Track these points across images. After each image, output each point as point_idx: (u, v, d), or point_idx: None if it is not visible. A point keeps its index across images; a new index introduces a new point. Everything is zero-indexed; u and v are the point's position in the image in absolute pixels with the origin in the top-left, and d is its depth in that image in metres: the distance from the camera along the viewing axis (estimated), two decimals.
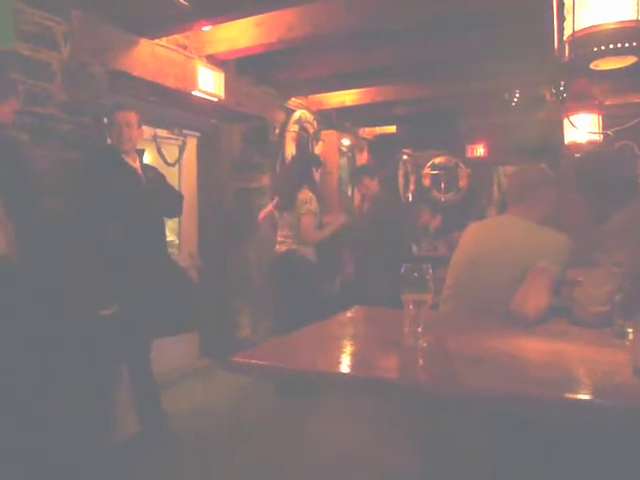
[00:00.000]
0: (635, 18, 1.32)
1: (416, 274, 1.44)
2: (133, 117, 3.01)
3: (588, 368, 1.39)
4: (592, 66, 1.44)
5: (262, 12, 3.51)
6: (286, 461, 2.96)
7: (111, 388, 3.06)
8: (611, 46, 1.32)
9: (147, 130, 3.89)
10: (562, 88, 4.44)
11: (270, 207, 4.25)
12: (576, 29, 1.38)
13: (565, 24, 1.43)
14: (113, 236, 2.85)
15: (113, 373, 3.11)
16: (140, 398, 3.09)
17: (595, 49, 1.34)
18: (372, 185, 4.57)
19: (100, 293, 2.88)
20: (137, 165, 3.05)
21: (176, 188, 3.64)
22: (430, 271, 1.45)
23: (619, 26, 1.33)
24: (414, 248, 5.92)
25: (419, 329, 1.46)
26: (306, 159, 4.47)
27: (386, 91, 5.50)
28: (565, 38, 1.43)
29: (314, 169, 4.17)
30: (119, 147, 2.99)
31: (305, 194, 3.97)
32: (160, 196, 3.11)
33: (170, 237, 4.31)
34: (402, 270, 1.46)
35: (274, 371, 1.53)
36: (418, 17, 3.49)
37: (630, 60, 1.42)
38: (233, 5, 3.20)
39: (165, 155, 4.31)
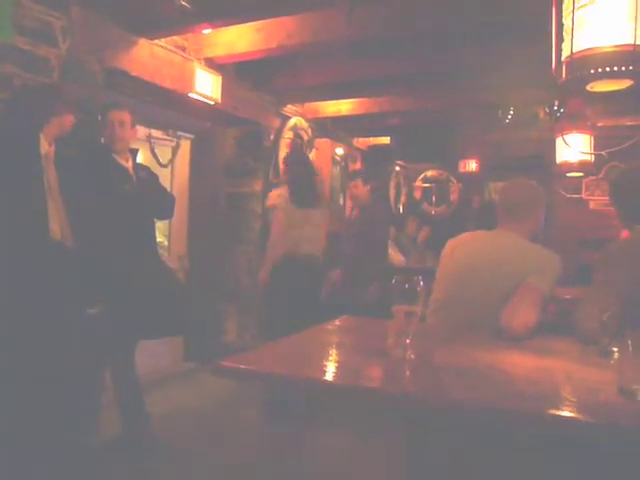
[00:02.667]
0: (632, 42, 1.34)
1: (407, 286, 1.45)
2: (127, 117, 2.99)
3: (573, 385, 1.40)
4: (588, 88, 1.46)
5: (263, 18, 3.54)
6: (267, 466, 2.95)
7: (94, 388, 3.03)
8: (608, 69, 1.34)
9: (141, 130, 3.88)
10: (556, 107, 4.49)
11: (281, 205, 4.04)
12: (574, 50, 1.40)
13: (563, 45, 1.45)
14: (101, 234, 2.82)
15: (97, 373, 3.08)
16: (123, 399, 3.06)
17: (592, 71, 1.36)
18: (364, 191, 4.45)
19: (86, 291, 2.85)
20: (129, 165, 3.03)
21: (168, 189, 3.62)
22: (421, 283, 1.46)
23: (616, 49, 1.35)
24: (403, 259, 5.95)
25: (408, 340, 1.46)
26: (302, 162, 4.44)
27: (382, 102, 5.54)
28: (563, 59, 1.46)
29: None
30: (111, 146, 2.97)
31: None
32: (151, 197, 3.09)
33: (159, 238, 4.28)
34: (393, 281, 1.47)
35: (261, 377, 1.52)
36: (417, 30, 3.52)
37: (626, 83, 1.44)
38: (234, 9, 3.21)
39: (158, 156, 4.30)
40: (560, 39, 1.47)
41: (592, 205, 7.32)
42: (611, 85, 1.46)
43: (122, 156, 3.00)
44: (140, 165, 3.19)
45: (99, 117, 3.11)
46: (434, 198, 8.50)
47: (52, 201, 2.56)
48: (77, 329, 2.66)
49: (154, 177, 3.22)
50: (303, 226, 3.91)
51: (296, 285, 3.86)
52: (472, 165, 8.03)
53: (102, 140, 3.07)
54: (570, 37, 1.41)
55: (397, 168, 8.30)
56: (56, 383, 2.53)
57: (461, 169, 8.14)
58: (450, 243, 2.26)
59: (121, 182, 2.95)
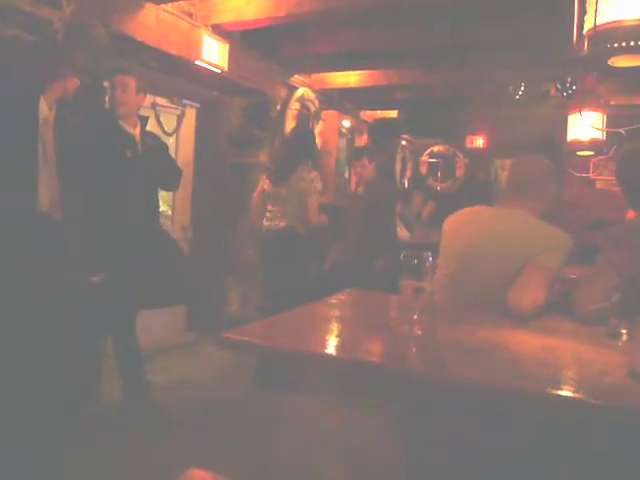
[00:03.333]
0: None
1: (416, 261, 1.43)
2: (131, 82, 2.94)
3: (581, 366, 1.39)
4: (609, 62, 1.41)
5: None
6: (267, 438, 2.97)
7: (96, 356, 3.05)
8: (632, 43, 1.29)
9: (146, 98, 3.83)
10: (568, 84, 4.41)
11: (261, 184, 4.05)
12: (597, 23, 1.35)
13: (586, 18, 1.40)
14: (103, 201, 2.80)
15: (98, 341, 3.09)
16: (124, 367, 3.08)
17: (615, 45, 1.31)
18: (369, 168, 4.42)
19: (89, 259, 2.84)
20: (136, 132, 2.98)
21: (175, 161, 3.58)
22: (430, 259, 1.44)
23: None
24: (407, 235, 5.92)
25: (415, 316, 1.45)
26: (306, 132, 4.37)
27: (390, 75, 5.45)
28: (585, 32, 1.41)
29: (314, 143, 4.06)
30: (115, 111, 2.93)
31: (309, 171, 3.81)
32: (156, 166, 3.05)
33: (163, 208, 4.26)
34: (402, 256, 1.44)
35: (264, 350, 1.52)
36: (430, 2, 3.44)
37: None
38: None
39: (163, 124, 4.25)
40: (582, 12, 1.42)
41: (599, 185, 7.26)
42: (633, 60, 1.41)
43: (128, 122, 2.96)
44: (148, 133, 3.14)
45: (105, 83, 3.06)
46: (440, 174, 8.43)
47: (45, 168, 2.48)
48: (78, 297, 2.66)
49: (163, 146, 3.19)
50: (276, 202, 3.90)
51: (271, 257, 3.93)
52: (479, 141, 7.96)
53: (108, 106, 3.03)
54: (594, 9, 1.36)
55: (403, 142, 8.22)
56: (57, 349, 2.53)
57: (468, 145, 8.06)
58: (452, 218, 2.22)
59: (123, 148, 2.91)
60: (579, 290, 1.84)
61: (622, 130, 2.97)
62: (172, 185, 3.35)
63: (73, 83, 2.61)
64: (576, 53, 1.43)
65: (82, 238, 2.74)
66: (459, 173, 8.31)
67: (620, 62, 1.42)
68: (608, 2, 1.34)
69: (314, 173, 3.84)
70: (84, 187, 2.77)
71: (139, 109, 3.04)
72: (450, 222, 2.23)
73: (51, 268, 2.45)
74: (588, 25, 1.38)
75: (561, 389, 1.23)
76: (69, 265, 2.57)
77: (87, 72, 3.04)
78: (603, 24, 1.34)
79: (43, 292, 2.40)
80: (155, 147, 3.08)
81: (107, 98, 3.07)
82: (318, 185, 3.83)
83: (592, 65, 1.47)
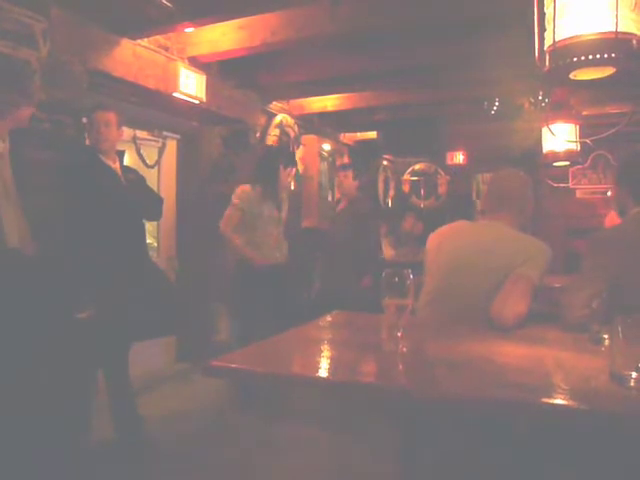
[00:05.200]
0: (614, 29, 1.35)
1: (397, 279, 1.45)
2: (112, 117, 2.97)
3: (565, 373, 1.41)
4: (571, 76, 1.46)
5: (246, 15, 3.52)
6: (263, 466, 2.94)
7: (87, 392, 3.01)
8: (590, 57, 1.34)
9: (127, 131, 3.84)
10: (540, 97, 4.51)
11: None
12: (556, 39, 1.40)
13: (546, 34, 1.45)
14: (91, 237, 2.80)
15: (89, 376, 3.06)
16: (116, 402, 3.04)
17: (575, 59, 1.36)
18: (352, 184, 4.50)
19: (77, 295, 2.83)
20: (116, 166, 3.01)
21: (155, 190, 3.60)
22: (411, 276, 1.46)
23: (598, 37, 1.36)
24: (393, 253, 5.96)
25: (399, 334, 1.46)
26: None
27: (367, 97, 5.54)
28: (545, 48, 1.46)
29: (281, 167, 3.96)
30: (97, 147, 2.95)
31: (241, 188, 3.84)
32: (140, 198, 3.07)
33: (148, 240, 4.26)
34: (383, 275, 1.46)
35: (252, 376, 1.51)
36: (401, 25, 3.52)
37: (609, 71, 1.44)
38: (216, 7, 3.19)
39: (144, 157, 4.27)
40: (542, 28, 1.47)
41: (578, 194, 7.39)
42: (594, 73, 1.46)
43: (109, 157, 2.98)
44: (127, 167, 3.17)
45: (84, 119, 3.08)
46: (422, 191, 8.51)
47: (8, 204, 2.36)
48: (65, 333, 2.63)
49: (141, 179, 3.21)
50: None
51: None
52: (459, 157, 8.06)
53: (87, 142, 3.05)
54: (552, 26, 1.41)
55: (384, 162, 8.31)
56: (47, 386, 2.50)
57: (449, 161, 8.16)
58: (434, 236, 2.25)
59: (109, 183, 2.93)
60: (565, 297, 1.86)
61: (589, 140, 3.05)
62: (155, 214, 3.36)
63: (27, 112, 2.47)
64: (539, 69, 1.48)
65: (70, 274, 2.73)
66: (441, 190, 8.40)
67: (582, 75, 1.46)
68: (565, 18, 1.40)
69: (242, 188, 3.87)
70: (72, 224, 2.78)
71: (116, 144, 3.07)
72: (432, 239, 2.25)
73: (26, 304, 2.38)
74: (548, 41, 1.43)
75: (548, 397, 1.25)
76: (53, 301, 2.54)
77: (67, 110, 3.08)
78: (562, 40, 1.39)
79: (23, 329, 2.34)
80: (135, 180, 3.10)
81: (86, 134, 3.08)
82: (236, 199, 3.84)
83: (554, 80, 1.52)
